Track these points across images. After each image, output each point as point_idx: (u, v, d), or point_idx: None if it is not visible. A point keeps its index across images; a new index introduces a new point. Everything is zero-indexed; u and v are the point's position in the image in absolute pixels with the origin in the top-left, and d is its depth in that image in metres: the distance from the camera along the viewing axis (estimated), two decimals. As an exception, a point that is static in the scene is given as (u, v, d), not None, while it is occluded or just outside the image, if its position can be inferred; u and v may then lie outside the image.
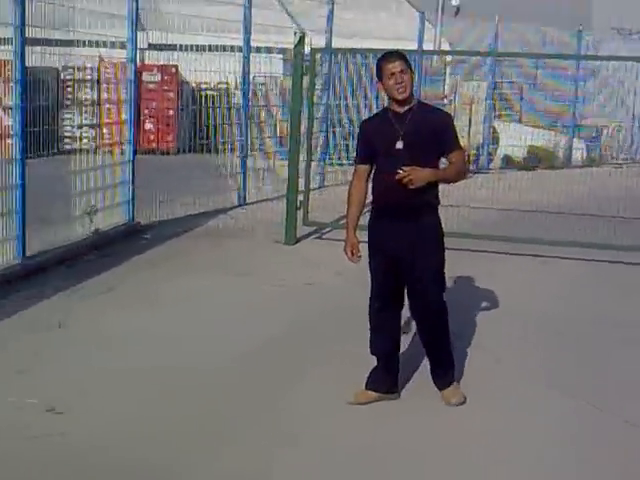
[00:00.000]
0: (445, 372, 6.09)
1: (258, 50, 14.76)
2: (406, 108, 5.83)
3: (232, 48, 14.07)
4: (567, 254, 10.39)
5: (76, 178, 10.43)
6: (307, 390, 6.24)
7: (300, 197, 11.38)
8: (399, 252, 5.83)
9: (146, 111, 20.65)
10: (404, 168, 5.65)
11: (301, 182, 11.44)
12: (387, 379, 6.04)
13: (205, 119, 14.88)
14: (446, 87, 20.39)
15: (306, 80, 11.31)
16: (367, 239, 5.99)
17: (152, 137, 20.58)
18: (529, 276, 9.81)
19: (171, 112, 20.81)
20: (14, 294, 8.28)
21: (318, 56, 13.17)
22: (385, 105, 6.13)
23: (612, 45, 23.19)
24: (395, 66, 5.76)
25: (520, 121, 21.93)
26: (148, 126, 20.57)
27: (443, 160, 5.99)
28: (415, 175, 5.65)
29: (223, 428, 5.57)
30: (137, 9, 11.02)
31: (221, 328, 7.58)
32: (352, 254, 5.98)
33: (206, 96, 16.02)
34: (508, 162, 20.61)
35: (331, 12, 16.39)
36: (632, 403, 6.17)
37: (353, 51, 15.85)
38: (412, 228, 5.79)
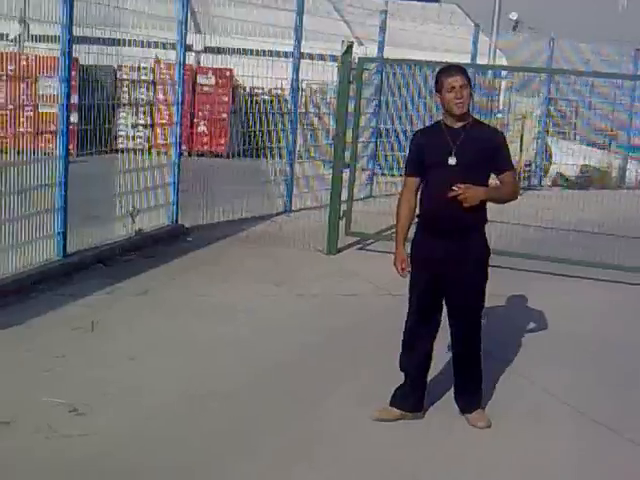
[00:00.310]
0: (473, 393, 5.97)
1: (316, 57, 14.74)
2: (461, 124, 5.74)
3: (286, 54, 14.05)
4: (613, 277, 10.14)
5: (121, 178, 10.44)
6: (333, 404, 6.16)
7: (344, 207, 11.28)
8: (444, 269, 5.74)
9: (200, 113, 20.77)
10: (459, 185, 5.56)
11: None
12: (413, 397, 5.93)
13: (258, 124, 14.84)
14: (500, 100, 20.19)
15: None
16: (410, 252, 5.89)
17: (205, 139, 20.67)
18: (573, 297, 9.58)
19: (224, 115, 20.90)
20: (50, 291, 8.31)
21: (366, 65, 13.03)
22: (439, 118, 6.00)
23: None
24: (456, 80, 5.66)
25: (574, 139, 21.66)
26: (201, 128, 20.66)
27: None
28: (470, 193, 5.57)
29: (244, 439, 5.50)
30: (187, 12, 11.05)
31: (252, 337, 7.52)
32: (402, 270, 5.89)
33: (259, 101, 15.99)
34: (560, 180, 20.35)
35: (384, 22, 16.35)
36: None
37: (402, 61, 15.65)
38: (459, 246, 5.70)
